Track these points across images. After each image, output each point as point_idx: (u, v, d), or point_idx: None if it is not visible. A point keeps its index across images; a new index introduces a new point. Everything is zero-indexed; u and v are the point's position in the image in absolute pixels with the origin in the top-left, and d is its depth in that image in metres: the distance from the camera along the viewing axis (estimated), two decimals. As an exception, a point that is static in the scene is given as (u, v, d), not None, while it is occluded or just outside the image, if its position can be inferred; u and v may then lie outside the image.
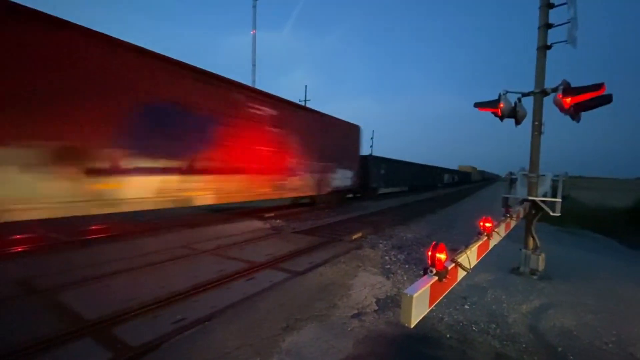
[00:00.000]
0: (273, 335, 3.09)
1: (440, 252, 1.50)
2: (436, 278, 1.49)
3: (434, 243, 1.50)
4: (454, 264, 1.70)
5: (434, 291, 1.50)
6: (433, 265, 1.49)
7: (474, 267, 2.04)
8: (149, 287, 4.14)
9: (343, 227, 8.92)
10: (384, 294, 4.19)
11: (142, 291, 3.96)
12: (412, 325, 1.32)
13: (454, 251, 1.87)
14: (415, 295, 1.32)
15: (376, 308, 3.80)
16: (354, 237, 7.59)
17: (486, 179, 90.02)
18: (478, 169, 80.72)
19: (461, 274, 1.80)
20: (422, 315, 1.40)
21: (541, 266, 4.92)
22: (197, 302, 3.79)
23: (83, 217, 7.40)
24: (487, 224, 2.44)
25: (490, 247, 2.57)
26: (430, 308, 1.48)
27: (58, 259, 5.28)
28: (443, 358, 2.83)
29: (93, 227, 7.36)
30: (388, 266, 5.45)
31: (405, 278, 4.81)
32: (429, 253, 1.49)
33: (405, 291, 1.36)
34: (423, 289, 1.40)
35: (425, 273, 1.52)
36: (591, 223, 10.97)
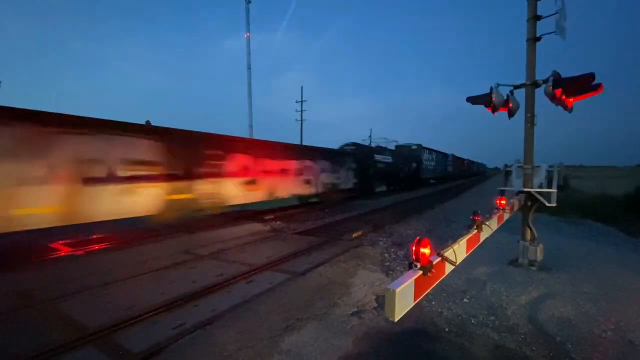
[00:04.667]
0: (273, 336, 3.11)
1: (424, 247, 1.52)
2: (421, 272, 1.52)
3: (417, 238, 1.53)
4: (440, 258, 1.72)
5: (418, 285, 1.52)
6: (417, 259, 1.51)
7: (462, 260, 2.06)
8: (149, 293, 4.17)
9: (343, 226, 8.95)
10: (384, 291, 4.21)
11: (142, 298, 3.99)
12: (396, 319, 1.35)
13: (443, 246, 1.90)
14: (398, 290, 1.35)
15: (375, 305, 3.83)
16: (354, 235, 7.61)
17: (452, 178, 39.21)
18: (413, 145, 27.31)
19: (449, 267, 1.83)
20: (407, 309, 1.42)
21: (539, 257, 4.93)
22: (197, 307, 3.81)
23: (85, 226, 7.44)
24: (477, 217, 2.47)
25: (481, 240, 2.59)
26: (416, 302, 1.51)
27: (58, 269, 5.32)
28: (441, 351, 2.86)
29: (94, 237, 7.41)
30: (387, 263, 5.47)
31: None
32: (413, 248, 1.52)
33: (389, 286, 1.39)
34: (406, 283, 1.42)
35: (410, 268, 1.55)
36: (591, 212, 10.96)
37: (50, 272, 5.20)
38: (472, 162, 63.81)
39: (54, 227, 5.91)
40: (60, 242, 6.90)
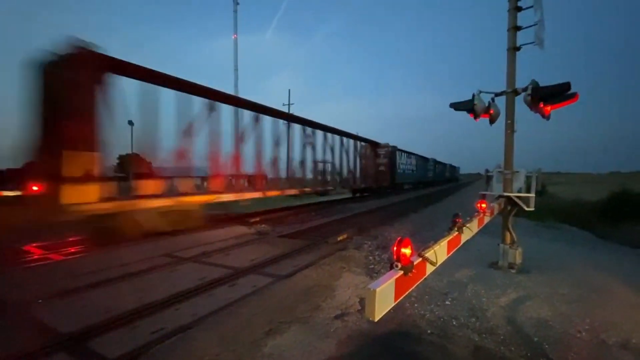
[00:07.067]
0: (255, 340, 3.07)
1: (405, 247, 1.54)
2: (401, 272, 1.53)
3: (399, 238, 1.54)
4: (420, 259, 1.74)
5: (399, 285, 1.53)
6: (398, 259, 1.53)
7: (443, 262, 2.09)
8: (128, 298, 4.03)
9: (329, 229, 8.95)
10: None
11: (120, 302, 3.86)
12: (376, 319, 1.35)
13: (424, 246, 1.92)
14: (378, 290, 1.36)
15: (359, 308, 3.82)
16: (339, 238, 7.62)
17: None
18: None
19: (430, 268, 1.85)
20: (388, 309, 1.43)
21: (519, 260, 5.06)
22: (177, 311, 3.72)
23: (61, 228, 7.15)
24: (458, 220, 2.52)
25: (461, 242, 2.64)
26: (397, 302, 1.52)
27: (32, 273, 5.10)
28: (423, 353, 2.88)
29: (71, 239, 7.14)
30: (372, 266, 5.49)
31: (388, 277, 4.86)
32: (394, 248, 1.53)
33: (369, 285, 1.40)
34: (387, 283, 1.43)
35: (391, 268, 1.56)
36: (568, 217, 11.38)
37: (23, 275, 4.98)
38: (425, 160, 36.08)
39: (28, 229, 5.69)
40: (35, 244, 6.62)
